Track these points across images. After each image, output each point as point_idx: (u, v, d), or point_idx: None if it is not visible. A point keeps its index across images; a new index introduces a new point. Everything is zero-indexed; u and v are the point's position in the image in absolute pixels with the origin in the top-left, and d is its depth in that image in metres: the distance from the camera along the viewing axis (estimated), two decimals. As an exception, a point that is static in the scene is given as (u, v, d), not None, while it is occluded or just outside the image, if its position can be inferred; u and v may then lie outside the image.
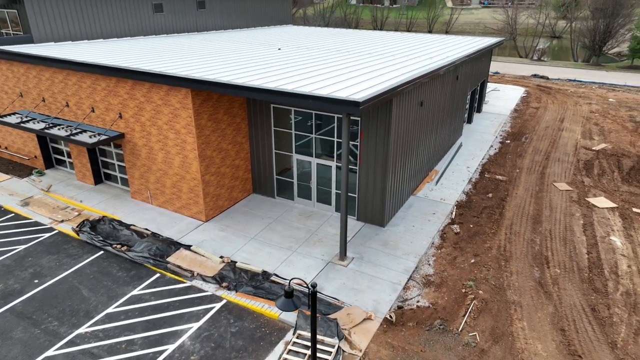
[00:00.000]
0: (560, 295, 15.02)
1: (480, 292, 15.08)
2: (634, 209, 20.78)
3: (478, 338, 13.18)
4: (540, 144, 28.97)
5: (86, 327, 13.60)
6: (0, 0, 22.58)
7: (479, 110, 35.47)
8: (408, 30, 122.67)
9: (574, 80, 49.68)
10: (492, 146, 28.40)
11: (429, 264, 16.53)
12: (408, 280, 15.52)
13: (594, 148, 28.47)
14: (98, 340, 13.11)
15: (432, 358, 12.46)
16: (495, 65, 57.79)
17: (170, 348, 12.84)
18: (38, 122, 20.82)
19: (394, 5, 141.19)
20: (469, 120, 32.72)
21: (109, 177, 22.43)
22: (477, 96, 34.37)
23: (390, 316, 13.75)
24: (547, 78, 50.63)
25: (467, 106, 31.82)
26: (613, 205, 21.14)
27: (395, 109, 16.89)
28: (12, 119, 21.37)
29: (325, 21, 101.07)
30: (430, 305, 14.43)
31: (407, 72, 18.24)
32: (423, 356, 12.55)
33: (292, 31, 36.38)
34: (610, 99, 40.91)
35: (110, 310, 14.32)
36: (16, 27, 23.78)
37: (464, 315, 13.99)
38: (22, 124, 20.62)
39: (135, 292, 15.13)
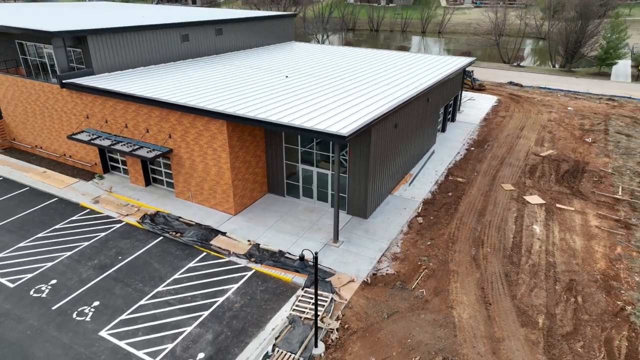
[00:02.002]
0: (486, 266, 21.48)
1: (431, 264, 21.54)
2: (557, 205, 27.21)
3: (425, 293, 19.65)
4: (498, 151, 35.31)
5: (162, 287, 20.06)
6: (71, 42, 28.67)
7: (453, 119, 41.73)
8: (403, 31, 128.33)
9: (544, 88, 55.80)
10: (458, 152, 34.73)
11: (397, 245, 22.98)
12: (381, 257, 21.96)
13: (541, 154, 34.81)
14: (171, 295, 19.58)
15: (392, 305, 18.94)
16: (477, 72, 63.78)
17: (220, 300, 19.30)
18: (104, 140, 27.13)
19: (391, 4, 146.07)
20: (443, 129, 39.00)
21: (155, 180, 28.79)
22: (451, 108, 40.60)
23: (367, 279, 20.22)
24: (521, 85, 56.74)
25: (441, 118, 38.09)
26: (542, 202, 27.56)
27: (374, 133, 23.19)
28: (84, 136, 27.67)
29: (324, 23, 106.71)
30: (395, 273, 20.89)
31: (385, 103, 24.46)
32: (387, 304, 19.03)
33: (294, 51, 42.27)
34: (569, 107, 47.13)
35: (175, 276, 20.77)
36: (80, 62, 29.87)
37: (417, 279, 20.45)
38: (92, 141, 26.94)
39: (191, 264, 21.58)
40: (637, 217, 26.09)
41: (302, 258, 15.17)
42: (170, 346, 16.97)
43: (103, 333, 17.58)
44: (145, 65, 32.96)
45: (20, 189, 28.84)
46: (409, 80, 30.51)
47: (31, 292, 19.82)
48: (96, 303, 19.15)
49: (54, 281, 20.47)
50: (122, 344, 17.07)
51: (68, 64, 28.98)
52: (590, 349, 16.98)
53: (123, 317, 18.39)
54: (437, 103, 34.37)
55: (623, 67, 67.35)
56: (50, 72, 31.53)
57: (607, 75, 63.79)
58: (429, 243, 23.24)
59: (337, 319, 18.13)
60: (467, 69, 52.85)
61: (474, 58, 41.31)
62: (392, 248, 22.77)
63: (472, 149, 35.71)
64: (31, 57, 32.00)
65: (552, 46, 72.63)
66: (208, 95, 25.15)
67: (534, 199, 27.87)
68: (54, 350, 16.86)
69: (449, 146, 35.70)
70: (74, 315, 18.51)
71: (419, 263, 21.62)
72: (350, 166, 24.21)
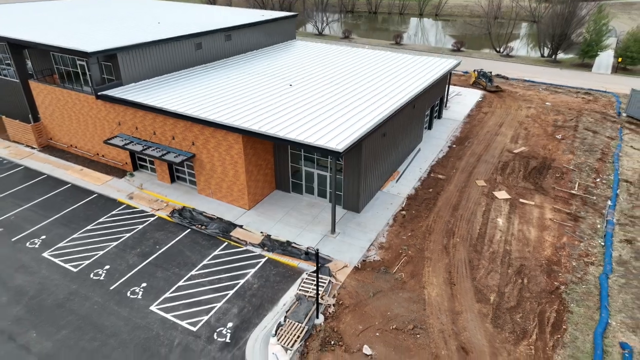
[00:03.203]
0: (454, 254, 26.56)
1: (409, 252, 26.63)
2: (521, 200, 32.14)
3: (403, 276, 24.79)
4: (477, 148, 40.03)
5: (194, 271, 25.16)
6: (103, 58, 32.96)
7: (439, 116, 46.22)
8: (400, 13, 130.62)
9: (528, 81, 59.96)
10: (441, 150, 39.45)
11: (383, 236, 28.02)
12: (370, 246, 27.02)
13: (514, 151, 39.55)
14: (203, 278, 24.69)
15: (377, 286, 24.09)
16: (468, 63, 67.65)
17: (241, 281, 24.43)
18: (136, 145, 31.81)
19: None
20: (430, 127, 43.58)
21: (179, 178, 33.62)
22: (437, 107, 45.05)
23: (358, 265, 25.33)
24: (507, 78, 60.87)
25: (428, 117, 42.59)
26: (508, 197, 32.50)
27: (365, 145, 27.87)
28: (118, 141, 32.34)
29: (323, 5, 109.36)
30: (380, 259, 25.99)
31: (374, 117, 28.97)
32: (373, 285, 24.17)
33: (294, 53, 46.21)
34: (548, 103, 51.53)
35: (204, 262, 25.86)
36: (109, 72, 34.19)
37: (397, 265, 25.56)
38: (126, 146, 31.64)
39: (216, 252, 26.65)
40: (586, 211, 31.09)
41: (307, 252, 20.14)
42: (205, 318, 22.17)
43: (153, 308, 22.76)
44: (165, 72, 37.24)
45: (63, 185, 33.69)
46: (397, 88, 34.85)
47: (91, 275, 24.95)
48: (144, 284, 24.29)
49: (107, 266, 25.58)
50: (168, 316, 22.26)
51: (100, 76, 33.39)
52: (527, 319, 22.19)
53: (166, 295, 23.54)
54: (423, 107, 38.88)
55: (606, 57, 71.14)
56: (82, 80, 35.80)
57: (589, 67, 67.75)
58: (409, 234, 28.28)
59: (334, 296, 23.29)
60: (484, 70, 58.24)
61: (459, 61, 45.26)
62: (379, 238, 27.81)
63: (454, 146, 40.40)
64: (65, 67, 36.21)
65: (541, 33, 75.83)
66: (225, 109, 29.64)
67: (502, 194, 32.79)
68: (117, 321, 22.06)
69: (434, 143, 40.38)
70: (128, 294, 23.68)
71: (400, 251, 26.71)
72: (345, 169, 29.00)
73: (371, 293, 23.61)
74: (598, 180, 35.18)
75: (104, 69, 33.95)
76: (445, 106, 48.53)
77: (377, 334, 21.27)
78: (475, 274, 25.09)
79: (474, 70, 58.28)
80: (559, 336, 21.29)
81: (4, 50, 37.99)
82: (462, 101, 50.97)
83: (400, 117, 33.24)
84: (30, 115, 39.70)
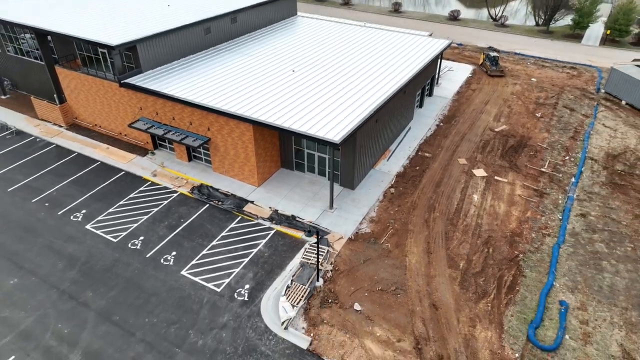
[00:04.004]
0: (433, 227, 31.46)
1: (396, 225, 31.53)
2: (496, 177, 36.73)
3: (389, 246, 29.79)
4: (462, 127, 44.14)
5: (215, 242, 30.14)
6: (124, 49, 36.47)
7: (430, 94, 49.93)
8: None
9: (518, 54, 62.96)
10: (430, 129, 43.59)
11: (374, 211, 32.83)
12: (362, 220, 31.87)
13: (496, 129, 43.70)
14: (222, 247, 29.69)
15: (367, 254, 29.11)
16: (462, 33, 70.16)
17: (254, 250, 29.44)
18: (157, 128, 36.01)
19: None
20: (421, 105, 47.44)
21: (196, 157, 38.03)
22: (428, 85, 48.67)
23: (351, 237, 30.28)
24: (498, 51, 63.78)
25: (419, 97, 46.37)
26: (485, 174, 37.06)
27: (359, 133, 32.08)
28: (140, 125, 36.51)
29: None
30: (370, 232, 30.91)
31: (368, 105, 32.87)
32: (363, 254, 29.19)
33: (296, 32, 49.15)
34: (533, 79, 55.01)
35: (223, 234, 30.79)
36: (129, 61, 37.78)
37: (385, 236, 30.51)
38: (148, 130, 35.85)
39: (232, 225, 31.53)
40: (551, 187, 35.76)
41: (309, 231, 24.99)
42: (227, 280, 27.32)
43: (184, 272, 27.89)
44: (179, 57, 40.70)
45: (93, 163, 38.17)
46: (390, 74, 38.43)
47: (129, 245, 29.96)
48: (174, 253, 29.33)
49: (142, 237, 30.54)
50: (197, 279, 27.41)
51: (122, 64, 37.06)
52: (488, 282, 27.35)
53: (194, 262, 28.63)
54: (415, 89, 42.64)
55: (597, 27, 73.48)
56: (103, 66, 39.35)
57: (580, 38, 70.34)
58: (396, 209, 33.09)
59: (331, 263, 28.38)
60: (490, 52, 57.18)
61: (450, 42, 48.32)
62: (370, 213, 32.65)
63: (442, 124, 44.51)
64: (87, 52, 39.65)
65: (536, 1, 77.63)
66: (237, 98, 33.55)
67: (480, 172, 37.34)
68: (155, 283, 27.23)
69: (423, 122, 44.45)
70: (162, 261, 28.76)
71: (388, 225, 31.60)
72: (341, 151, 33.39)
73: (362, 260, 28.70)
74: (567, 158, 39.61)
75: (124, 57, 37.52)
76: (437, 83, 52.08)
77: (366, 294, 26.49)
78: (449, 244, 30.08)
79: (483, 53, 58.83)
80: (512, 296, 26.52)
81: (32, 39, 41.34)
82: (453, 77, 54.40)
83: (393, 102, 37.15)
84: (55, 95, 43.48)
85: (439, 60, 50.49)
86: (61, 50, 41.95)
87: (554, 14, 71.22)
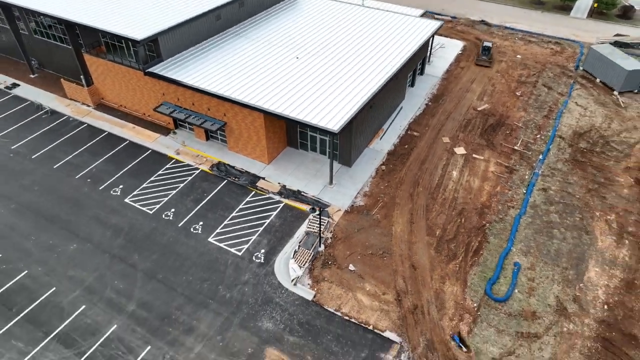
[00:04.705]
0: (417, 200, 37.48)
1: (385, 199, 37.55)
2: (474, 155, 42.35)
3: (379, 217, 35.95)
4: (448, 106, 49.18)
5: (234, 213, 36.27)
6: (148, 41, 40.96)
7: (422, 72, 54.48)
8: None
9: (508, 28, 66.58)
10: (419, 108, 48.67)
11: (367, 186, 38.75)
12: (357, 194, 37.86)
13: (478, 108, 48.79)
14: (240, 218, 35.85)
15: (360, 224, 35.31)
16: (457, 4, 73.19)
17: (267, 221, 35.63)
18: (179, 113, 41.25)
19: None
20: (412, 84, 52.19)
21: (212, 137, 43.45)
22: (420, 66, 53.16)
23: (347, 209, 36.40)
24: (490, 25, 67.36)
25: (411, 77, 51.04)
26: (465, 152, 42.65)
27: (355, 120, 37.39)
28: (164, 109, 41.71)
29: None
30: (364, 204, 36.99)
31: (364, 94, 37.92)
32: (357, 223, 35.40)
33: (297, 13, 52.87)
34: (518, 56, 59.26)
35: (240, 207, 36.88)
36: (151, 50, 42.34)
37: (375, 208, 36.60)
38: (172, 114, 41.11)
39: (247, 199, 37.56)
40: (521, 164, 41.49)
41: (313, 209, 31.08)
42: (246, 246, 33.66)
43: (210, 239, 34.19)
44: (194, 44, 45.02)
45: (123, 142, 43.65)
46: (385, 59, 42.92)
47: (163, 216, 36.11)
48: (201, 223, 35.53)
49: (173, 209, 36.64)
50: (222, 245, 33.75)
51: (145, 54, 41.73)
52: (458, 247, 33.70)
53: (218, 230, 34.87)
54: (407, 71, 47.34)
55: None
56: (126, 53, 43.83)
57: (569, 9, 73.49)
58: (386, 184, 39.00)
59: (331, 232, 34.64)
60: (485, 44, 56.56)
61: (442, 23, 52.30)
62: (364, 188, 38.59)
63: (430, 104, 49.56)
64: (111, 40, 44.01)
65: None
66: (248, 87, 38.44)
67: (460, 150, 42.92)
68: (187, 249, 33.57)
69: (414, 102, 49.45)
70: (191, 230, 35.00)
71: (378, 198, 37.62)
72: (340, 134, 38.87)
73: (356, 229, 34.95)
74: (538, 136, 45.06)
75: (146, 48, 42.10)
76: (429, 61, 56.45)
77: (359, 257, 32.92)
78: (429, 215, 36.24)
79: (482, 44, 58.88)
80: (476, 258, 32.96)
81: (59, 25, 45.60)
82: (444, 55, 58.63)
83: (386, 87, 42.05)
84: (82, 77, 48.21)
85: (430, 44, 54.58)
86: (87, 37, 46.23)
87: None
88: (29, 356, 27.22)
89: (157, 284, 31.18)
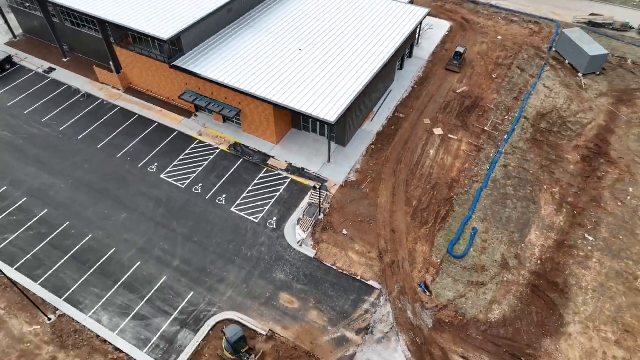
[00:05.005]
0: (399, 176, 45.91)
1: (373, 175, 45.97)
2: (449, 135, 50.26)
3: (367, 190, 44.54)
4: (432, 88, 56.39)
5: (250, 187, 44.84)
6: (173, 38, 47.65)
7: (410, 55, 61.07)
8: None
9: (493, 7, 71.99)
10: (406, 90, 55.93)
11: (359, 164, 47.04)
12: (350, 171, 46.25)
13: (457, 91, 56.03)
14: (256, 191, 44.46)
15: (352, 196, 43.95)
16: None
17: (277, 194, 44.26)
18: (201, 101, 48.79)
19: None
20: (401, 67, 59.03)
21: (228, 120, 51.19)
22: (409, 49, 59.70)
23: (342, 184, 44.93)
24: (477, 3, 72.69)
25: (400, 61, 57.80)
26: (442, 133, 50.55)
27: (349, 109, 45.03)
28: (187, 97, 49.21)
29: None
30: (355, 180, 45.48)
31: (359, 84, 45.31)
32: (350, 196, 44.04)
33: (296, 3, 58.65)
34: (499, 37, 65.46)
35: (255, 182, 45.38)
36: (173, 45, 49.10)
37: (365, 183, 45.11)
38: (195, 102, 48.70)
39: (260, 175, 46.00)
40: (488, 144, 49.50)
41: (315, 187, 39.61)
42: (261, 215, 42.48)
43: (233, 209, 42.96)
44: (209, 36, 51.66)
45: (152, 124, 51.42)
46: (378, 49, 49.64)
47: (193, 190, 44.67)
48: (224, 195, 44.14)
49: (200, 184, 45.14)
50: (242, 214, 42.56)
51: (169, 48, 48.63)
52: (429, 215, 42.51)
53: (238, 202, 43.56)
54: (397, 57, 54.19)
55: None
56: (151, 45, 50.51)
57: (553, -15, 78.18)
58: (374, 162, 47.25)
59: (328, 203, 43.33)
60: (457, 49, 58.14)
61: (429, 10, 58.25)
62: (356, 166, 46.88)
63: (416, 86, 56.76)
64: (138, 34, 50.59)
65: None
66: (259, 80, 45.66)
67: (438, 130, 50.78)
68: (215, 217, 42.40)
69: (402, 85, 56.62)
70: (217, 201, 43.68)
71: (367, 174, 46.01)
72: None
73: (349, 201, 43.62)
74: (507, 117, 52.74)
75: (170, 44, 48.89)
76: (417, 43, 62.81)
77: (350, 223, 41.81)
78: (408, 189, 44.79)
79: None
80: (443, 224, 41.85)
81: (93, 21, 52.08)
82: (433, 36, 64.79)
83: (378, 75, 49.21)
84: (112, 64, 55.12)
85: (419, 29, 60.73)
86: (116, 30, 52.69)
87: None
88: (104, 299, 36.73)
89: (194, 245, 40.28)
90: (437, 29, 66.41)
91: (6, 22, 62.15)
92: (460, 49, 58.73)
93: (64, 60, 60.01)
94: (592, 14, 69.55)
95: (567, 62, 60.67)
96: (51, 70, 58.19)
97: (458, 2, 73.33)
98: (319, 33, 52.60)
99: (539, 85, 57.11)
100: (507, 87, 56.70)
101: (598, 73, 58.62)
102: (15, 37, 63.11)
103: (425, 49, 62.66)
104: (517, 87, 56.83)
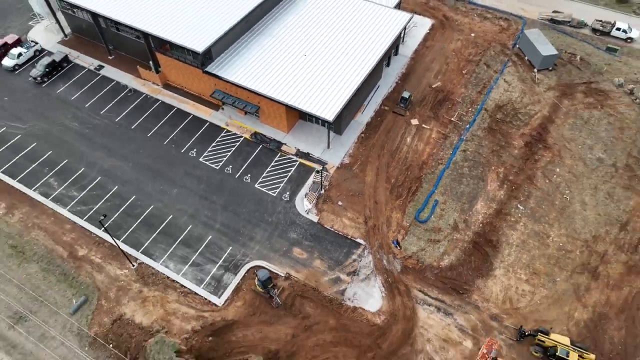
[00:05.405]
0: (382, 159, 59.96)
1: (362, 158, 60.04)
2: (423, 125, 63.83)
3: (357, 171, 58.79)
4: (412, 83, 69.17)
5: (269, 168, 59.06)
6: (206, 50, 60.10)
7: (396, 53, 73.27)
8: None
9: (471, 3, 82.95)
10: (391, 86, 68.76)
11: (351, 150, 61.00)
12: (344, 155, 60.29)
13: (433, 86, 68.88)
14: (273, 172, 58.72)
15: (345, 176, 58.25)
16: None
17: (289, 174, 58.52)
18: (228, 98, 62.01)
19: None
20: (388, 64, 71.46)
21: (248, 112, 64.54)
22: (394, 48, 71.87)
23: (339, 165, 59.12)
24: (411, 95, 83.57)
25: (387, 59, 70.20)
26: (417, 123, 64.09)
27: (344, 109, 58.41)
28: (217, 95, 62.43)
29: None
30: (349, 162, 59.62)
31: (353, 85, 58.38)
32: (343, 175, 58.33)
33: (298, 8, 70.12)
34: (472, 34, 77.25)
35: (272, 164, 59.54)
36: (206, 56, 61.58)
37: (355, 165, 59.28)
38: (223, 99, 62.00)
39: (275, 159, 60.09)
40: (453, 132, 63.13)
41: (318, 171, 53.89)
42: (277, 190, 56.96)
43: (256, 185, 57.41)
44: (232, 44, 64.07)
45: (188, 116, 64.82)
46: (370, 52, 62.35)
47: (225, 170, 58.90)
48: (249, 175, 58.44)
49: (230, 166, 59.32)
50: (263, 189, 57.04)
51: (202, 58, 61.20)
52: (403, 190, 56.97)
53: (260, 180, 57.91)
54: (384, 57, 66.73)
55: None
56: (186, 51, 62.81)
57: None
58: (363, 148, 61.15)
59: (328, 181, 57.70)
60: (403, 94, 64.59)
61: (412, 15, 69.87)
62: (349, 151, 60.84)
63: (399, 82, 69.56)
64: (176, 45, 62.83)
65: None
66: (274, 84, 58.71)
67: (415, 121, 64.27)
68: (243, 191, 56.87)
69: (388, 81, 69.38)
70: (244, 179, 58.02)
71: (358, 158, 60.04)
72: (334, 117, 60.20)
73: (343, 179, 57.96)
74: (470, 109, 66.04)
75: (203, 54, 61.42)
76: (403, 42, 74.78)
77: (344, 197, 56.37)
78: (388, 170, 58.98)
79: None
80: (413, 197, 56.41)
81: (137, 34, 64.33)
82: (416, 34, 76.52)
83: (369, 76, 62.04)
84: (151, 63, 67.67)
85: (404, 29, 72.51)
86: (156, 39, 64.82)
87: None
88: (169, 252, 51.86)
89: (229, 213, 55.02)
90: (421, 27, 78.04)
91: (58, 22, 73.88)
92: (406, 94, 64.61)
93: (109, 58, 72.41)
94: (554, 11, 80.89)
95: (526, 58, 73.05)
96: (100, 67, 70.81)
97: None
98: (320, 39, 64.87)
99: (500, 80, 69.89)
100: (474, 82, 69.52)
101: (550, 69, 71.24)
102: (65, 35, 75.08)
103: (410, 46, 74.76)
104: (482, 81, 69.63)
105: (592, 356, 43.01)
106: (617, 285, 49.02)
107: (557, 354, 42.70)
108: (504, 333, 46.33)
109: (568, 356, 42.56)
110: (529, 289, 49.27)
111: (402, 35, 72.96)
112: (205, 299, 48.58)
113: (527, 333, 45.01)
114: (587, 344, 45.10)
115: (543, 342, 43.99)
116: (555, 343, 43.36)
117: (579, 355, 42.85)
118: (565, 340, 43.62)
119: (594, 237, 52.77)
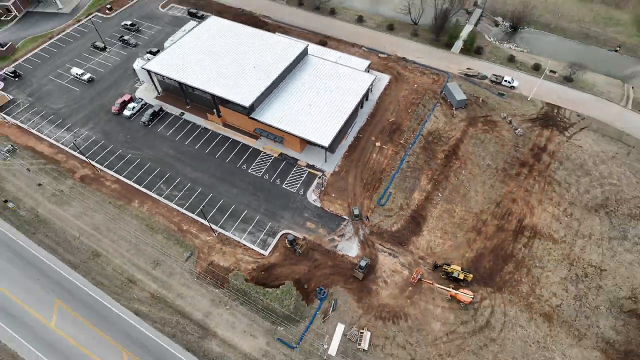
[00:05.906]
0: (359, 169, 77.40)
1: (346, 168, 77.52)
2: (383, 146, 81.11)
3: (343, 175, 76.28)
4: (377, 119, 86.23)
5: (289, 175, 76.51)
6: (251, 104, 77.21)
7: (367, 99, 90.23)
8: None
9: (416, 63, 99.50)
10: (363, 121, 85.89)
11: (339, 162, 78.40)
12: (335, 166, 77.71)
13: (390, 120, 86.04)
14: (293, 178, 76.17)
15: (336, 179, 75.75)
16: (390, 44, 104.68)
17: (302, 179, 76.04)
18: (264, 134, 79.33)
19: None
20: (362, 106, 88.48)
21: (275, 140, 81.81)
22: (365, 96, 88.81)
23: (332, 172, 76.61)
24: (407, 60, 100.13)
25: (362, 104, 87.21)
26: (380, 144, 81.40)
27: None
28: (258, 131, 79.71)
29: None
30: (338, 170, 77.07)
31: (341, 121, 75.59)
32: (335, 179, 75.84)
33: (306, 69, 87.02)
34: (416, 85, 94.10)
35: (292, 172, 77.00)
36: (251, 107, 78.52)
37: (342, 172, 76.74)
38: (260, 134, 79.38)
39: (293, 170, 77.52)
40: (402, 150, 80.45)
41: (320, 177, 71.43)
42: (296, 188, 74.49)
43: (283, 186, 74.95)
44: (267, 96, 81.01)
45: (239, 144, 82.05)
46: (348, 102, 79.41)
47: (264, 177, 76.31)
48: (279, 179, 75.89)
49: (267, 175, 76.68)
50: (288, 188, 74.55)
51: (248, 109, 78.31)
52: (371, 187, 74.46)
53: (285, 182, 75.42)
54: (359, 105, 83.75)
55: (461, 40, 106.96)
56: (238, 104, 79.66)
57: (451, 46, 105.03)
58: (347, 161, 78.52)
59: (326, 182, 75.18)
60: (361, 262, 62.33)
61: (375, 77, 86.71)
62: (338, 163, 78.23)
63: (369, 118, 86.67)
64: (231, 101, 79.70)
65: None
66: (294, 122, 75.84)
67: (378, 143, 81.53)
68: (276, 190, 74.37)
69: (361, 118, 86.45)
70: (275, 183, 75.48)
71: (343, 167, 77.43)
72: (329, 143, 77.58)
73: (335, 181, 75.42)
74: (412, 135, 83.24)
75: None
76: (371, 91, 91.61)
77: (336, 191, 73.95)
78: (362, 174, 76.43)
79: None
80: (376, 191, 73.97)
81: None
82: (379, 85, 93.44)
83: (350, 116, 79.05)
84: (214, 110, 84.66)
85: (371, 84, 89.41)
86: (218, 96, 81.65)
87: (440, 31, 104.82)
88: (234, 226, 69.49)
89: (268, 204, 72.58)
90: (382, 81, 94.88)
91: (154, 84, 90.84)
92: (364, 262, 61.09)
93: (187, 107, 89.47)
94: (468, 68, 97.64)
95: (448, 101, 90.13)
96: (182, 114, 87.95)
97: (395, 60, 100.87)
98: (318, 91, 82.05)
99: (432, 115, 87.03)
100: (415, 117, 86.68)
101: (463, 107, 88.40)
102: (159, 93, 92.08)
103: (375, 94, 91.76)
104: (420, 116, 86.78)
105: (470, 275, 61.06)
106: (490, 238, 66.90)
107: (452, 274, 60.72)
108: (426, 266, 64.29)
109: (459, 276, 60.58)
110: (441, 241, 67.05)
111: (370, 87, 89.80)
112: (258, 251, 66.35)
113: (438, 265, 62.99)
114: (470, 269, 63.09)
115: (446, 269, 61.96)
116: (453, 270, 61.33)
117: (464, 275, 60.86)
118: (458, 268, 61.60)
119: (480, 211, 70.53)
